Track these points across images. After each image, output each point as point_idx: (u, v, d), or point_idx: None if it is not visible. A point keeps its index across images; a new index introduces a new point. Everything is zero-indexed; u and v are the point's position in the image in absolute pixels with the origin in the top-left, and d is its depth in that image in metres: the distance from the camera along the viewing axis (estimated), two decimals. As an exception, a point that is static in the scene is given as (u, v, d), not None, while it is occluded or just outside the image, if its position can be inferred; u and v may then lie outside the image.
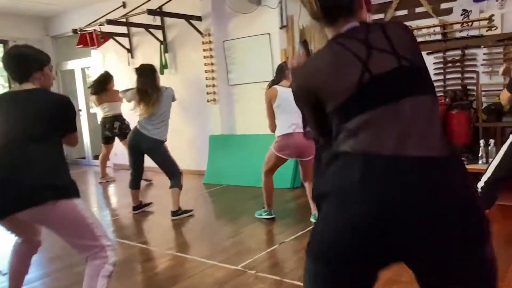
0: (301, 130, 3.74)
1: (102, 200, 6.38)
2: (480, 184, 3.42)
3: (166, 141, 4.77)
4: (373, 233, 1.08)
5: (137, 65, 7.09)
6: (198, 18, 6.37)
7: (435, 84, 5.77)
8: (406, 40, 1.32)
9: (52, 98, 2.43)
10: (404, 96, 1.20)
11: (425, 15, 5.94)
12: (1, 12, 7.88)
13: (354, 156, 1.16)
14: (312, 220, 3.98)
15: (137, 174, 4.93)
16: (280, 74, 4.17)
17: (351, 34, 1.33)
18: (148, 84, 4.60)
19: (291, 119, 3.93)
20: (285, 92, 3.88)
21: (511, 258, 3.12)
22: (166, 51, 7.04)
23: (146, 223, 4.75)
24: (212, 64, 6.47)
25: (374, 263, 1.16)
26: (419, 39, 5.89)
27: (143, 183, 5.58)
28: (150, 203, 5.19)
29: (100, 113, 6.82)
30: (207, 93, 6.58)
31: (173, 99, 4.90)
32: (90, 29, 7.05)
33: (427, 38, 6.00)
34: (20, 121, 2.25)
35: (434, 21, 5.86)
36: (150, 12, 6.12)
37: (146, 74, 4.69)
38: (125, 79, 7.02)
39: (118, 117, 6.65)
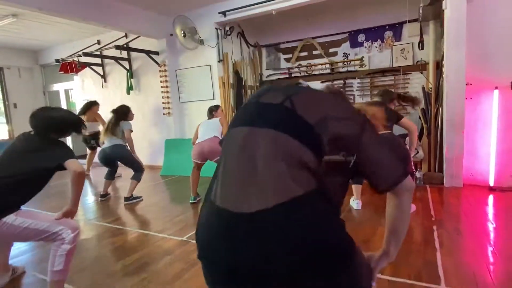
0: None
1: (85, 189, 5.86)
2: None
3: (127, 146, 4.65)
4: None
5: (109, 88, 7.34)
6: (156, 53, 6.45)
7: None
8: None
9: None
10: None
11: (319, 56, 6.35)
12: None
13: None
14: None
15: (112, 170, 4.83)
16: (211, 113, 4.44)
17: None
18: (114, 122, 4.58)
19: (203, 135, 4.17)
20: (207, 121, 4.33)
21: (378, 222, 3.24)
22: (131, 77, 7.07)
23: (112, 208, 4.46)
24: (167, 86, 6.51)
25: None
26: (315, 73, 6.37)
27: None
28: (108, 194, 4.93)
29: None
30: (163, 108, 6.63)
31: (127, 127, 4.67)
32: (70, 59, 6.97)
33: (321, 72, 6.36)
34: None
35: (325, 60, 6.26)
36: (118, 47, 6.11)
37: (119, 115, 4.64)
38: (99, 98, 7.12)
39: (96, 134, 6.39)
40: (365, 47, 5.87)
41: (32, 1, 4.12)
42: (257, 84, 6.79)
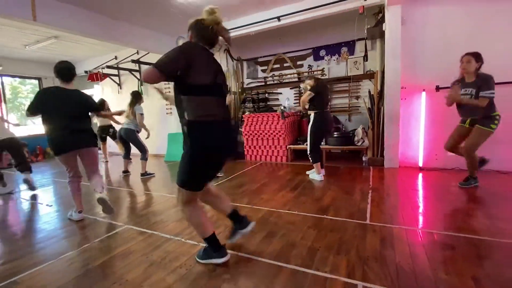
0: None
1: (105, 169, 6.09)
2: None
3: (139, 131, 4.72)
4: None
5: (123, 94, 7.36)
6: None
7: (294, 105, 6.23)
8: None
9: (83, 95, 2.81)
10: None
11: (289, 68, 6.34)
12: (37, 60, 7.84)
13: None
14: None
15: (127, 151, 4.94)
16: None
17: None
18: (130, 104, 4.73)
19: None
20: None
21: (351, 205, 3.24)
22: (141, 84, 7.12)
23: (131, 180, 4.67)
24: (169, 92, 6.26)
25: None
26: (285, 81, 6.38)
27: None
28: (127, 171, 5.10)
29: (98, 123, 6.66)
30: (166, 109, 6.78)
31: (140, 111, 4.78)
32: (95, 70, 7.10)
33: (290, 80, 6.36)
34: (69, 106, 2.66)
35: (294, 71, 6.26)
36: (133, 61, 6.24)
37: (133, 97, 4.77)
38: (115, 102, 7.28)
39: (110, 127, 6.56)
40: (326, 60, 5.89)
41: (77, 27, 4.50)
42: (239, 90, 6.76)
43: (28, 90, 8.96)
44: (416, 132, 4.38)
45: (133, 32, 5.49)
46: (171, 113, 6.71)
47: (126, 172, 5.04)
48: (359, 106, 5.60)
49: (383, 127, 4.55)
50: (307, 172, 4.20)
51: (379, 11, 4.54)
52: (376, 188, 3.45)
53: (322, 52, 5.94)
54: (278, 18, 4.77)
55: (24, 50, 6.69)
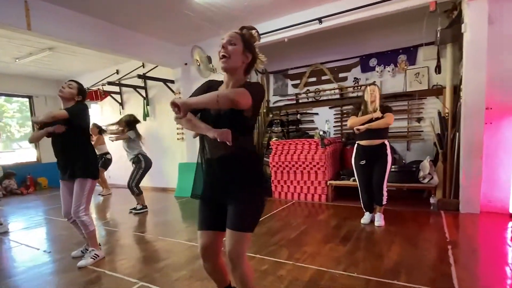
0: None
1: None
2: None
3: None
4: None
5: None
6: (172, 81, 6.66)
7: (334, 129, 6.12)
8: None
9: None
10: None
11: (328, 81, 6.32)
12: (29, 76, 8.23)
13: None
14: None
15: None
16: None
17: None
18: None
19: None
20: None
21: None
22: (148, 104, 7.31)
23: (138, 221, 4.80)
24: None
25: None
26: (324, 98, 6.35)
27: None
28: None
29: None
30: (177, 133, 6.77)
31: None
32: (95, 88, 7.33)
33: (330, 97, 6.33)
34: None
35: (334, 85, 6.22)
36: (140, 76, 6.42)
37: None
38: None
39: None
40: (377, 72, 5.81)
41: (75, 36, 4.65)
42: (264, 111, 6.77)
43: (14, 109, 9.32)
44: (506, 167, 4.10)
45: (139, 41, 5.64)
46: (182, 138, 6.71)
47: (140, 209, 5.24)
48: (421, 131, 5.47)
49: (458, 159, 4.33)
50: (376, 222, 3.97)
51: (453, 7, 4.38)
52: (456, 241, 3.27)
53: (373, 61, 5.88)
54: (320, 20, 4.75)
55: (14, 64, 7.01)
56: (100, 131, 6.85)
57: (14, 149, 9.09)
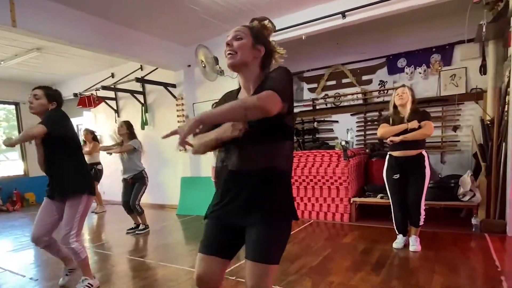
0: None
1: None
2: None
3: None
4: None
5: None
6: (173, 86, 6.60)
7: (357, 138, 6.08)
8: None
9: None
10: None
11: (349, 85, 6.27)
12: (15, 80, 8.23)
13: None
14: None
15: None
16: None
17: None
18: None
19: None
20: None
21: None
22: (146, 111, 7.25)
23: (135, 243, 4.72)
24: (184, 121, 6.41)
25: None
26: (345, 103, 6.30)
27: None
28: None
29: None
30: (180, 144, 6.63)
31: None
32: (87, 93, 7.31)
33: (351, 103, 6.27)
34: None
35: (357, 89, 6.17)
36: (138, 80, 6.37)
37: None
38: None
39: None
40: (406, 74, 5.75)
41: (64, 35, 4.56)
42: None
43: (0, 117, 9.29)
44: None
45: (137, 40, 5.58)
46: (185, 149, 6.57)
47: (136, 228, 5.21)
48: (458, 141, 5.43)
49: (504, 174, 4.17)
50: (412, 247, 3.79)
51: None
52: (511, 272, 3.05)
53: (401, 62, 5.84)
54: (343, 14, 4.66)
55: (-2, 66, 6.99)
56: (95, 137, 6.82)
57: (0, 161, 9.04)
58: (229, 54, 1.54)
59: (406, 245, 3.77)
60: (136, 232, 5.08)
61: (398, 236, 3.84)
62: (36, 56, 6.47)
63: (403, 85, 3.69)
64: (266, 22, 1.65)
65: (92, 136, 6.72)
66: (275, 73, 1.53)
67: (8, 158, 9.16)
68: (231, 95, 1.69)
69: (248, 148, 1.54)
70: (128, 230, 5.18)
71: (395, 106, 3.64)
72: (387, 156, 3.78)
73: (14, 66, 6.99)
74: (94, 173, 6.65)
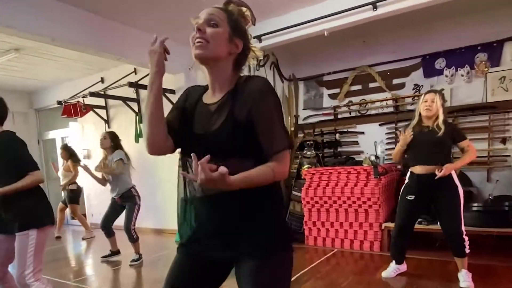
0: None
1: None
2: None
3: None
4: None
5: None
6: (172, 91, 6.52)
7: (388, 152, 5.95)
8: None
9: None
10: None
11: (378, 90, 6.18)
12: (-11, 85, 8.24)
13: None
14: None
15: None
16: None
17: None
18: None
19: None
20: None
21: None
22: (141, 121, 7.12)
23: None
24: None
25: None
26: (372, 112, 6.25)
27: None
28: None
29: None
30: (179, 159, 6.50)
31: None
32: (73, 101, 7.27)
33: (380, 111, 6.21)
34: None
35: (387, 95, 6.09)
36: (131, 84, 6.31)
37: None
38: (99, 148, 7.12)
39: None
40: (446, 76, 5.64)
41: (45, 32, 4.46)
42: (291, 129, 6.64)
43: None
44: None
45: (132, 38, 5.49)
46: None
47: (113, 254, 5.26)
48: (508, 156, 5.36)
49: None
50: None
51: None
52: None
53: (440, 62, 5.75)
54: (374, 4, 4.56)
55: (-30, 71, 6.99)
56: (72, 155, 6.82)
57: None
58: (198, 42, 1.41)
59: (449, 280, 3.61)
60: (130, 263, 4.98)
61: (391, 264, 3.91)
62: (15, 58, 6.40)
63: (433, 91, 3.61)
64: (244, 9, 1.53)
65: (69, 154, 6.73)
66: (263, 104, 1.42)
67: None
68: (194, 92, 1.63)
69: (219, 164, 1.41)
70: (102, 257, 5.22)
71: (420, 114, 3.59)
72: (408, 173, 3.75)
73: (-12, 70, 6.99)
74: (72, 194, 6.81)
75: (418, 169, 3.55)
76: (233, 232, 1.48)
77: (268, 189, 1.46)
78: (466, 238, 3.52)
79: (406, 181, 3.74)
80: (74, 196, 6.88)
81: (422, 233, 4.71)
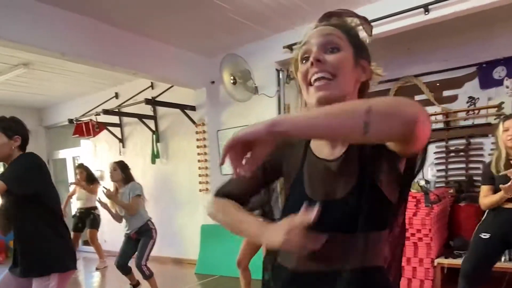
0: None
1: None
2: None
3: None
4: None
5: (128, 155, 7.56)
6: (192, 108, 6.54)
7: (438, 174, 5.76)
8: None
9: None
10: None
11: (426, 103, 5.93)
12: (-1, 104, 8.49)
13: None
14: None
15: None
16: None
17: None
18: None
19: None
20: None
21: None
22: (158, 140, 7.22)
23: None
24: (205, 153, 6.51)
25: None
26: None
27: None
28: None
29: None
30: (199, 182, 6.61)
31: None
32: (85, 119, 7.36)
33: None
34: None
35: (436, 109, 5.89)
36: (148, 101, 6.37)
37: None
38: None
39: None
40: (507, 87, 5.40)
41: (55, 46, 4.58)
42: None
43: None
44: None
45: (149, 50, 5.57)
46: (207, 189, 6.62)
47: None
48: None
49: None
50: None
51: None
52: None
53: (499, 71, 5.51)
54: (426, 7, 4.45)
55: (-21, 88, 7.16)
56: (91, 175, 6.92)
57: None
58: (320, 79, 1.10)
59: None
60: None
61: None
62: (24, 74, 6.56)
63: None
64: (358, 20, 1.26)
65: (86, 175, 6.81)
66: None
67: (-10, 198, 9.37)
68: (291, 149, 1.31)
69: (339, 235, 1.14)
70: None
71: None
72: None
73: (-3, 86, 7.16)
74: (93, 219, 6.93)
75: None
76: None
77: (381, 276, 1.22)
78: None
79: (485, 216, 3.59)
80: (97, 220, 6.95)
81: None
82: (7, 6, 4.09)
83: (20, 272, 2.78)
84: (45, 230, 2.81)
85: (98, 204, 5.47)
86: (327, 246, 1.09)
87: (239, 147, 0.89)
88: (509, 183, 3.15)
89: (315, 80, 1.11)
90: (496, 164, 3.31)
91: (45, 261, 2.79)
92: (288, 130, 0.87)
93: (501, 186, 3.19)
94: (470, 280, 3.49)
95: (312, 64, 1.10)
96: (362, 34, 1.26)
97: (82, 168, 7.01)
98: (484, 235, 3.41)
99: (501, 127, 3.33)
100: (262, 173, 1.27)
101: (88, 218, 6.96)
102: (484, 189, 3.46)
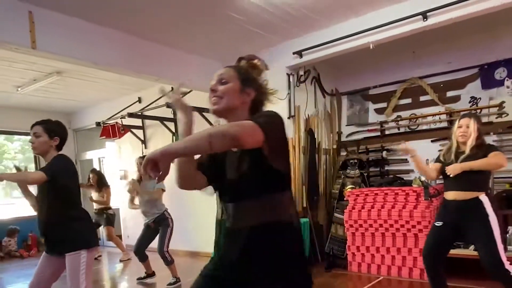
0: None
1: None
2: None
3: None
4: None
5: None
6: (208, 110, 6.68)
7: None
8: None
9: None
10: None
11: (430, 103, 6.13)
12: (31, 107, 8.75)
13: None
14: None
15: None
16: None
17: None
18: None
19: None
20: None
21: None
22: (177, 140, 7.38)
23: None
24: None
25: None
26: (423, 127, 6.19)
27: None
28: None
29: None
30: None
31: None
32: (112, 122, 7.67)
33: (432, 126, 6.14)
34: None
35: (439, 109, 6.04)
36: (169, 105, 6.41)
37: None
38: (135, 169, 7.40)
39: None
40: (507, 88, 5.53)
41: (88, 56, 4.84)
42: (334, 147, 6.74)
43: (16, 149, 9.94)
44: None
45: (170, 58, 5.80)
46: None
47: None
48: None
49: None
50: None
51: None
52: None
53: (500, 72, 5.63)
54: (424, 14, 4.63)
55: (16, 94, 7.50)
56: (103, 179, 7.35)
57: (15, 198, 9.51)
58: (213, 100, 1.68)
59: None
60: (166, 286, 5.24)
61: None
62: (56, 81, 6.87)
63: (468, 114, 3.67)
64: (255, 61, 1.81)
65: (97, 179, 7.19)
66: (262, 112, 1.72)
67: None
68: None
69: (242, 202, 1.67)
70: (138, 279, 5.62)
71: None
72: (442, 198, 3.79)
73: (32, 92, 7.46)
74: (107, 218, 7.30)
75: (448, 195, 3.58)
76: (249, 271, 1.66)
77: (289, 223, 1.67)
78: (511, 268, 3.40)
79: (439, 207, 3.84)
80: (110, 219, 7.32)
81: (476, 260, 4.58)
82: (46, 22, 4.32)
83: (54, 251, 3.07)
84: (74, 212, 3.12)
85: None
86: (238, 209, 1.67)
87: (152, 164, 1.28)
88: (455, 167, 3.35)
89: (212, 100, 1.69)
90: (445, 154, 3.58)
91: (75, 238, 3.04)
92: (172, 153, 1.32)
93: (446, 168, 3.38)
94: (427, 261, 3.69)
95: (211, 91, 1.69)
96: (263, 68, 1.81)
97: (94, 173, 7.36)
98: (438, 223, 3.60)
99: (456, 124, 3.53)
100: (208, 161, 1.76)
101: (102, 218, 7.26)
102: (431, 164, 3.76)
